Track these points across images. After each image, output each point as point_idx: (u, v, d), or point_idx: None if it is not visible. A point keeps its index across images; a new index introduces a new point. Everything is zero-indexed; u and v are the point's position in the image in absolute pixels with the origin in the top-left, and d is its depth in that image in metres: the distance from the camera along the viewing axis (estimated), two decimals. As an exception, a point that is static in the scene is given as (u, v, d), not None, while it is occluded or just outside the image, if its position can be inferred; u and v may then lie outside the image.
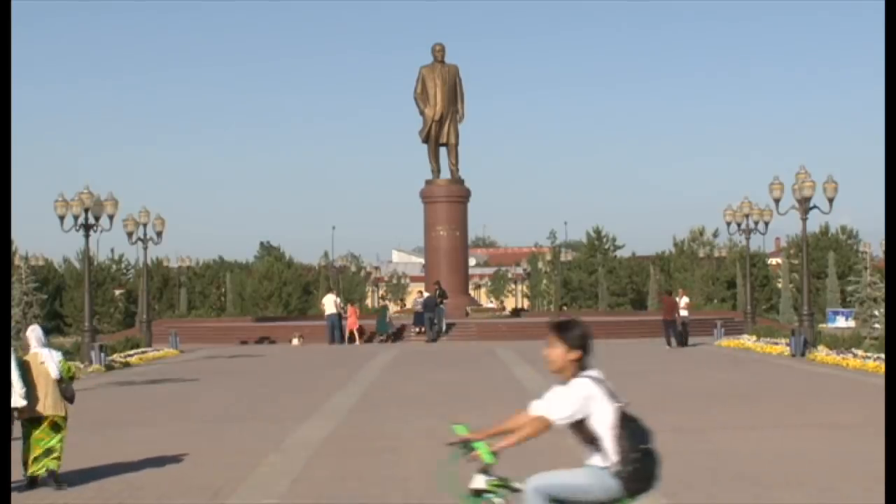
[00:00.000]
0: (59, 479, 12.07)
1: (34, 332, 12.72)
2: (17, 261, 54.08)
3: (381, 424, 17.17)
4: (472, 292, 75.08)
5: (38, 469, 12.10)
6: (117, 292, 76.62)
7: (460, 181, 55.89)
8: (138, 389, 25.12)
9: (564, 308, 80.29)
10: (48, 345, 12.70)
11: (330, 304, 45.69)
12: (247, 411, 19.90)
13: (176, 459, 13.86)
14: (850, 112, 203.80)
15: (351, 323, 45.60)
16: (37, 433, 12.18)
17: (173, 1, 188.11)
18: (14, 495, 11.33)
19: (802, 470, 12.42)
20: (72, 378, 12.69)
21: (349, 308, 47.01)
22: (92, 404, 20.44)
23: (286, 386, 25.50)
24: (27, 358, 12.44)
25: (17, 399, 11.94)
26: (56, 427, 12.27)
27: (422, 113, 55.58)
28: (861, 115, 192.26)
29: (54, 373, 12.29)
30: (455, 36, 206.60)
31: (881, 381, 22.48)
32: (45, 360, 12.35)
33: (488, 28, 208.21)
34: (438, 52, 56.23)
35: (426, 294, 47.67)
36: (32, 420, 12.20)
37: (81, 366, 29.44)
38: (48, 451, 12.16)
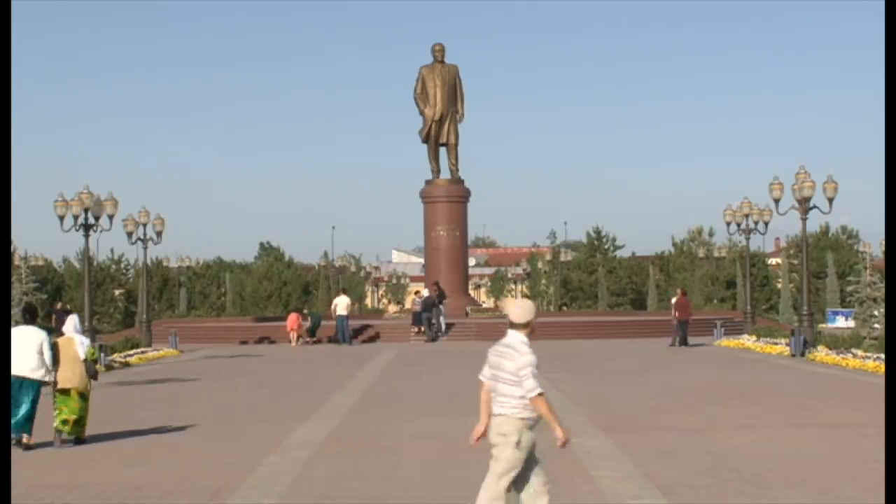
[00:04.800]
0: (84, 441, 15.25)
1: (72, 321, 15.81)
2: (17, 261, 54.11)
3: (381, 424, 17.16)
4: (471, 292, 75.10)
5: (65, 429, 15.07)
6: (117, 292, 76.71)
7: (460, 181, 55.88)
8: (138, 389, 25.11)
9: (564, 308, 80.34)
10: (81, 332, 15.78)
11: (343, 305, 45.59)
12: (247, 411, 19.90)
13: (176, 459, 13.87)
14: (850, 112, 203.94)
15: (291, 325, 45.42)
16: (69, 402, 15.09)
17: (173, 1, 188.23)
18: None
19: (802, 470, 12.42)
20: (95, 360, 15.72)
21: (293, 315, 46.72)
22: (91, 404, 20.41)
23: (286, 386, 25.50)
24: (60, 341, 15.38)
25: (46, 373, 15.00)
26: (83, 397, 15.26)
27: (422, 113, 55.57)
28: (861, 115, 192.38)
29: (81, 354, 15.22)
30: (455, 36, 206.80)
31: (881, 381, 22.49)
32: (77, 344, 15.29)
33: (488, 28, 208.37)
34: (438, 52, 56.21)
35: (425, 293, 47.66)
36: (63, 391, 15.15)
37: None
38: (78, 420, 15.18)
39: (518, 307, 8.42)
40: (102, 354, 32.03)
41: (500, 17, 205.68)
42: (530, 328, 8.34)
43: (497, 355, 8.30)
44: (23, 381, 14.90)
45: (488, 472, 8.33)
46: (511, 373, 8.19)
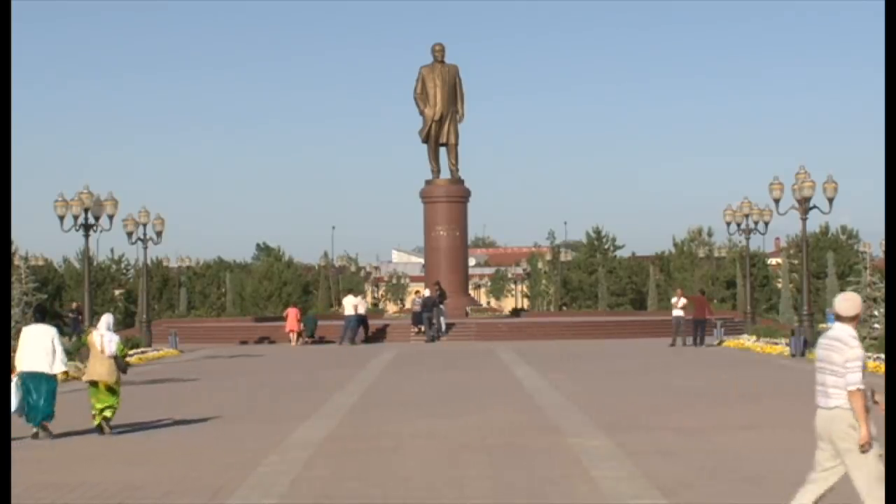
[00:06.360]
0: (110, 426, 16.18)
1: (106, 319, 16.86)
2: (16, 261, 54.05)
3: (381, 424, 17.16)
4: (472, 292, 75.10)
5: (98, 419, 16.20)
6: (117, 292, 76.66)
7: (460, 181, 55.88)
8: (138, 390, 25.08)
9: (564, 308, 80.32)
10: (112, 330, 16.67)
11: (348, 305, 45.42)
12: (247, 411, 19.90)
13: (176, 459, 13.86)
14: (850, 112, 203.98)
15: (292, 326, 45.29)
16: (98, 394, 16.24)
17: (173, 1, 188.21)
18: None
19: (802, 470, 12.36)
20: (125, 356, 17.02)
21: (291, 310, 46.61)
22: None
23: (286, 386, 25.50)
24: (92, 337, 16.63)
25: (59, 366, 16.11)
26: (112, 390, 16.35)
27: (422, 113, 55.56)
28: (861, 115, 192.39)
29: (110, 351, 16.27)
30: (455, 36, 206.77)
31: (881, 381, 22.43)
32: (106, 342, 16.28)
33: (488, 28, 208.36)
34: (438, 52, 56.20)
35: (425, 293, 47.63)
36: (93, 383, 16.33)
37: (81, 366, 29.39)
38: (108, 407, 16.25)
39: (845, 300, 8.53)
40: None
41: (500, 17, 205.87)
42: (857, 321, 8.51)
43: (825, 348, 8.47)
44: (36, 375, 15.88)
45: (853, 467, 8.41)
46: (839, 364, 8.36)
